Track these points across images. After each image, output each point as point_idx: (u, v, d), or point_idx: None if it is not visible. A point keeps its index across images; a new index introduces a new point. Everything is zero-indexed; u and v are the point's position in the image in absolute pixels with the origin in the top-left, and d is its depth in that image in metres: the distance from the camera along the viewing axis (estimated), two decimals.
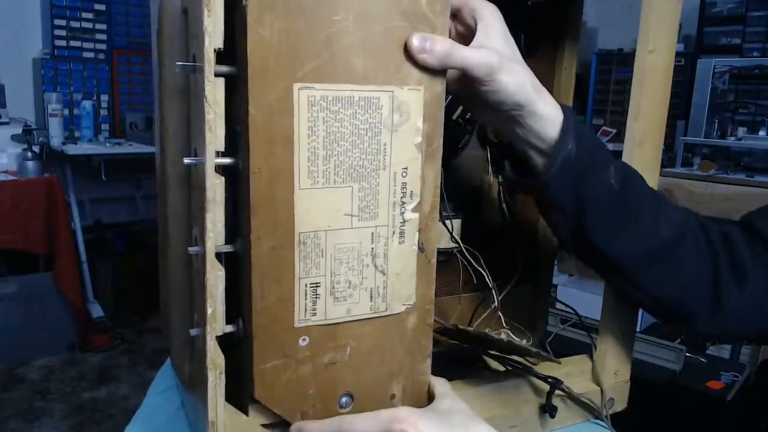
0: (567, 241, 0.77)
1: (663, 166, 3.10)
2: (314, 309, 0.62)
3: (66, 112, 3.82)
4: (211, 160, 0.55)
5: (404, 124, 0.62)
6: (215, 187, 0.56)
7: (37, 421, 2.94)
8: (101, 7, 3.94)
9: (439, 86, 0.63)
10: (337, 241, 0.62)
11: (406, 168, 0.63)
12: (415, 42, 0.60)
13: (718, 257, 0.76)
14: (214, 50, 0.54)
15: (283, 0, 0.55)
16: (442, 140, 0.65)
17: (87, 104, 3.83)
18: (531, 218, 1.00)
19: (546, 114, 0.69)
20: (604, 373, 0.89)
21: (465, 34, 0.68)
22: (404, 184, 0.63)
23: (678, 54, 4.25)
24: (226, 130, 0.58)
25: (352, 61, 0.58)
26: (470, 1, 0.67)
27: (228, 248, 0.61)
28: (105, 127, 4.01)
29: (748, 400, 2.22)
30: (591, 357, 0.92)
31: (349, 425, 0.63)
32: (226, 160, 0.58)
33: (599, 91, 4.54)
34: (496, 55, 0.65)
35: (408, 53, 0.61)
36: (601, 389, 0.89)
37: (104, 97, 4.00)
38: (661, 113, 0.80)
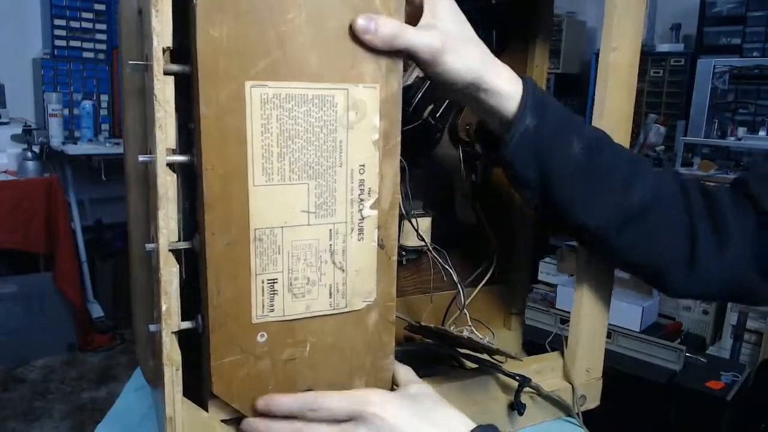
0: (540, 212, 0.78)
1: (663, 166, 3.09)
2: (272, 305, 0.63)
3: (66, 112, 3.83)
4: (162, 158, 0.56)
5: (360, 121, 0.62)
6: (167, 184, 0.57)
7: (37, 421, 2.95)
8: (101, 7, 3.96)
9: (395, 84, 0.63)
10: (294, 238, 0.62)
11: (364, 165, 0.64)
12: (360, 22, 0.60)
13: (696, 220, 0.75)
14: (164, 49, 0.55)
15: None
16: (399, 137, 0.65)
17: (87, 104, 3.84)
18: (505, 218, 1.00)
19: (502, 89, 0.69)
20: (574, 371, 0.89)
21: (414, 15, 0.67)
22: (362, 181, 0.64)
23: (678, 54, 4.26)
24: (183, 128, 0.59)
25: (305, 58, 0.59)
26: None
27: (185, 245, 0.61)
28: (105, 127, 4.02)
29: (748, 400, 2.22)
30: (562, 354, 0.92)
31: (320, 402, 0.64)
32: (181, 158, 0.59)
33: None
34: (440, 36, 0.64)
35: (355, 36, 0.61)
36: (572, 386, 0.89)
37: (104, 97, 4.01)
38: (626, 110, 0.81)
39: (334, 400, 0.64)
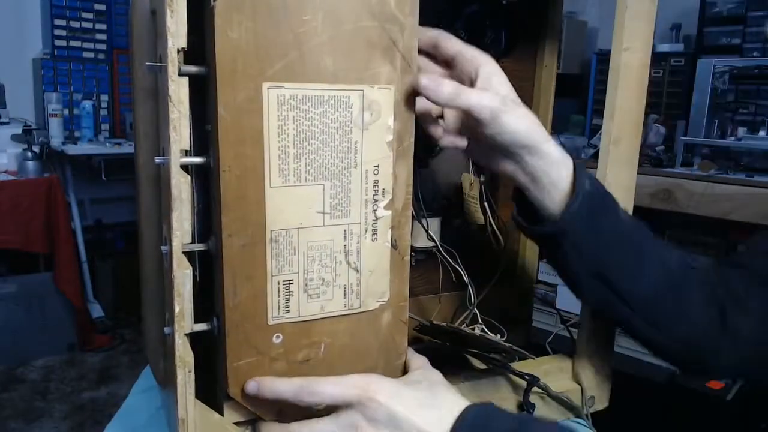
0: (586, 291, 0.76)
1: (663, 166, 3.09)
2: (287, 306, 0.63)
3: (66, 112, 3.81)
4: (176, 159, 0.56)
5: (375, 122, 0.62)
6: (180, 186, 0.57)
7: (37, 421, 2.94)
8: (101, 7, 3.94)
9: (409, 85, 0.63)
10: (309, 239, 0.62)
11: (378, 166, 0.64)
12: (424, 81, 0.63)
13: (716, 288, 0.76)
14: (178, 50, 0.55)
15: (252, 0, 0.55)
16: (413, 138, 0.65)
17: (87, 104, 3.82)
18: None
19: (555, 155, 0.70)
20: (584, 372, 0.89)
21: (463, 83, 0.69)
22: (376, 181, 0.64)
23: (678, 54, 4.25)
24: (198, 130, 0.59)
25: (321, 60, 0.59)
26: (465, 50, 0.69)
27: (200, 247, 0.61)
28: (105, 127, 4.01)
29: (748, 400, 2.22)
30: (571, 355, 0.92)
31: (315, 387, 0.63)
32: (196, 159, 0.59)
33: (599, 91, 4.51)
34: (498, 97, 0.66)
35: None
36: (581, 387, 0.89)
37: (104, 97, 3.99)
38: (637, 111, 0.81)
39: (330, 385, 0.63)
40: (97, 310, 3.78)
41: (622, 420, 1.96)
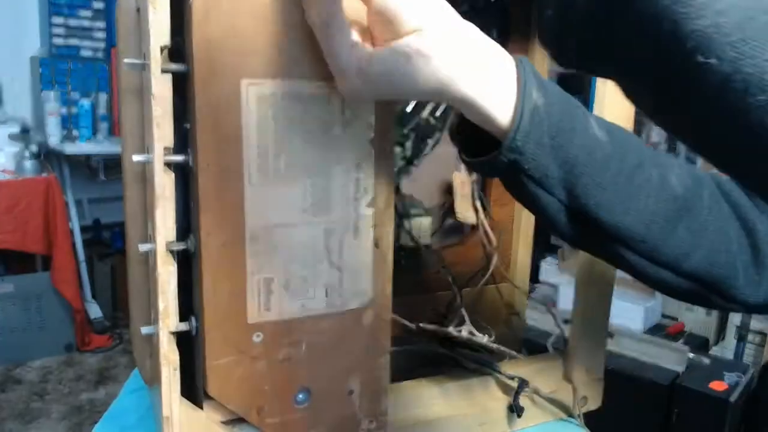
0: (566, 230, 0.58)
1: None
2: (268, 305, 0.63)
3: (64, 111, 3.80)
4: (160, 157, 0.56)
5: (356, 120, 0.62)
6: (164, 184, 0.56)
7: (34, 422, 2.94)
8: (100, 5, 3.93)
9: None
10: (290, 237, 0.62)
11: (360, 164, 0.63)
12: None
13: (741, 208, 0.62)
14: (161, 47, 0.54)
15: None
16: (394, 135, 0.65)
17: (85, 103, 3.81)
18: (505, 216, 1.00)
19: None
20: (575, 371, 0.89)
21: None
22: (357, 179, 0.63)
23: None
24: (179, 127, 0.58)
25: (301, 56, 0.58)
26: None
27: (180, 245, 0.61)
28: (103, 126, 3.99)
29: (752, 401, 2.21)
30: (564, 354, 0.91)
31: None
32: (177, 158, 0.58)
33: None
34: None
35: None
36: (573, 387, 0.89)
37: (103, 96, 3.97)
38: (628, 107, 0.80)
39: None
40: (95, 310, 3.77)
41: (625, 422, 1.95)
